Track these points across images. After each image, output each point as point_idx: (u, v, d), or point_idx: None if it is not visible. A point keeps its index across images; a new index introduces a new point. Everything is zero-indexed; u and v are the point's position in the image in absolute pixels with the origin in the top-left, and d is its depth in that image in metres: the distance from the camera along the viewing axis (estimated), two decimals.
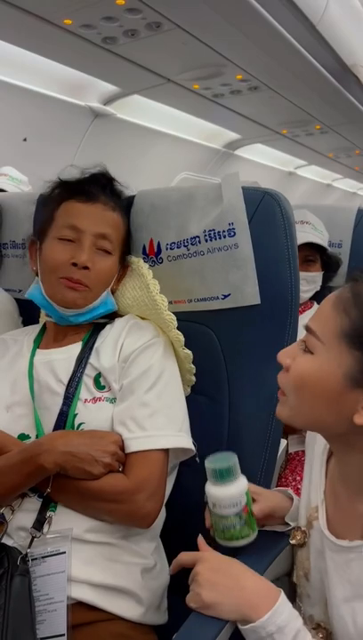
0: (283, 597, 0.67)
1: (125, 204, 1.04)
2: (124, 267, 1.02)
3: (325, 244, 1.60)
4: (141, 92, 2.21)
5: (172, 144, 2.79)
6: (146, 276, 0.99)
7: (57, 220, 0.97)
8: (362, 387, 0.61)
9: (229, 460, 0.77)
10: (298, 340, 0.70)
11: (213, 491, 0.77)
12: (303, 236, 1.53)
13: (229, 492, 0.76)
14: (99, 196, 0.97)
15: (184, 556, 0.75)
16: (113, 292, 1.01)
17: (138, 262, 1.02)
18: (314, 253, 1.59)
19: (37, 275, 0.99)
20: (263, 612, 0.64)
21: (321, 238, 1.59)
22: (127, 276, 1.03)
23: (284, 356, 0.70)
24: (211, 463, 0.77)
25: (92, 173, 1.01)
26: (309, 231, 1.56)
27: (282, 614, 0.65)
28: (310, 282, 1.58)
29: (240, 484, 0.77)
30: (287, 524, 0.85)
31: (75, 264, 0.92)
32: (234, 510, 0.76)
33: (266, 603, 0.66)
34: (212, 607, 0.67)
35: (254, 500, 0.81)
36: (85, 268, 0.92)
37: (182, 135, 2.78)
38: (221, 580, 0.69)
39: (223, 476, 0.76)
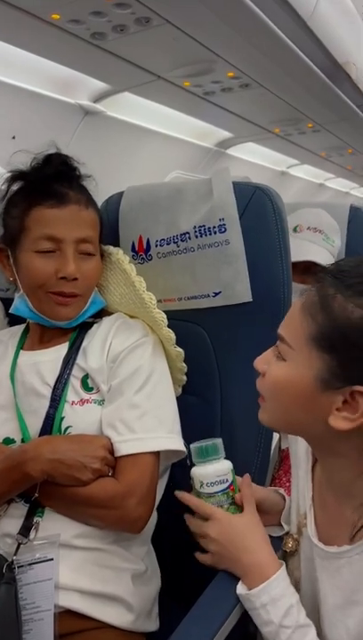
0: (281, 572, 0.70)
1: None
2: (101, 255, 0.98)
3: (334, 256, 1.48)
4: (131, 90, 2.18)
5: (163, 142, 2.77)
6: (129, 273, 0.95)
7: (30, 229, 0.88)
8: (333, 389, 0.61)
9: (214, 440, 0.79)
10: (274, 346, 0.70)
11: (200, 469, 0.78)
12: (310, 249, 1.42)
13: (217, 467, 0.78)
14: (69, 195, 0.89)
15: (199, 504, 0.77)
16: (98, 287, 0.98)
17: (117, 254, 0.98)
18: (317, 267, 1.47)
19: (16, 285, 0.94)
20: (258, 583, 0.68)
21: (331, 251, 1.48)
22: (108, 269, 0.99)
23: (260, 362, 0.70)
24: (195, 443, 0.79)
25: (53, 164, 0.92)
26: (320, 243, 1.46)
27: (277, 587, 0.68)
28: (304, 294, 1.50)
29: (226, 462, 0.80)
30: (282, 527, 0.83)
31: (63, 277, 0.87)
32: (221, 487, 0.77)
33: (263, 575, 0.69)
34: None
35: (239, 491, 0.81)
36: (75, 279, 0.88)
37: (174, 134, 2.76)
38: (226, 552, 0.73)
39: (209, 452, 0.78)
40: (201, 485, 0.77)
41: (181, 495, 0.79)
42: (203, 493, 0.77)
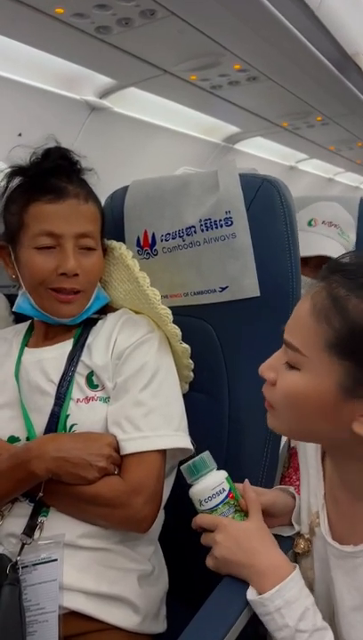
0: (296, 573, 0.67)
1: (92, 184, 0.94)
2: (104, 250, 0.96)
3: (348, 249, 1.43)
4: (137, 85, 2.16)
5: (170, 138, 2.75)
6: (132, 268, 0.93)
7: (28, 225, 0.87)
8: (358, 396, 0.58)
9: (201, 455, 0.77)
10: (281, 349, 0.66)
11: (195, 488, 0.76)
12: (326, 244, 1.37)
13: (209, 481, 0.76)
14: (68, 189, 0.87)
15: (204, 519, 0.75)
16: (101, 283, 0.97)
17: (120, 249, 0.96)
18: (328, 260, 1.45)
19: (18, 282, 0.92)
20: (271, 586, 0.66)
21: (345, 245, 1.44)
22: (112, 265, 0.97)
23: (266, 369, 0.66)
24: (184, 465, 0.77)
25: (52, 158, 0.90)
26: (335, 237, 1.41)
27: (292, 589, 0.66)
28: None
29: (219, 472, 0.77)
30: (292, 527, 0.81)
31: (64, 274, 0.85)
32: (220, 498, 0.75)
33: (275, 578, 0.66)
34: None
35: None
36: (75, 275, 0.86)
37: (181, 129, 2.74)
38: (236, 558, 0.70)
39: (198, 468, 0.76)
40: (200, 503, 0.76)
41: (192, 522, 0.76)
42: (205, 510, 0.76)
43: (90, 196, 0.91)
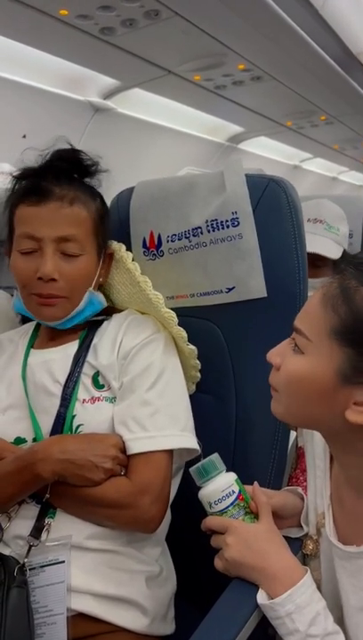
0: (307, 578, 0.67)
1: (96, 186, 0.93)
2: (107, 254, 0.95)
3: (341, 245, 1.43)
4: (141, 85, 2.17)
5: (174, 138, 2.75)
6: (133, 272, 0.92)
7: (15, 229, 0.87)
8: (353, 383, 0.60)
9: (210, 457, 0.77)
10: (288, 338, 0.68)
11: (205, 490, 0.76)
12: (312, 241, 1.33)
13: (219, 483, 0.76)
14: (51, 191, 0.85)
15: (214, 521, 0.75)
16: (104, 287, 0.96)
17: (120, 251, 0.95)
18: (324, 258, 1.42)
19: None
20: (282, 591, 0.65)
21: (336, 240, 1.43)
22: (115, 268, 0.96)
23: (274, 355, 0.68)
24: (193, 467, 0.77)
25: (47, 160, 0.89)
26: (321, 233, 1.41)
27: (303, 594, 0.65)
28: (315, 289, 1.46)
29: (228, 474, 0.77)
30: (301, 528, 0.81)
31: (40, 278, 0.84)
32: (230, 501, 0.75)
33: (287, 582, 0.66)
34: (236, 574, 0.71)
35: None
36: (53, 279, 0.85)
37: (185, 129, 2.74)
38: (247, 560, 0.70)
39: (208, 470, 0.76)
40: (210, 506, 0.75)
41: (202, 525, 0.76)
42: (215, 513, 0.75)
43: (77, 199, 0.87)
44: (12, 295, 1.22)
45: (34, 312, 0.89)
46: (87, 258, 0.89)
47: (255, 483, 0.80)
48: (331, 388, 0.61)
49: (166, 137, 2.71)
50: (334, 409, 0.61)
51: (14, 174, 0.91)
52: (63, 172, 0.89)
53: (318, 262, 1.40)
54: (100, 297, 0.94)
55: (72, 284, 0.87)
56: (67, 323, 0.90)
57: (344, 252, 1.48)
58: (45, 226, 0.84)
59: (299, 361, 0.64)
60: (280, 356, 0.67)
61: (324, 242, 1.41)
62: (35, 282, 0.85)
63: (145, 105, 2.38)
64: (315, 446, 0.80)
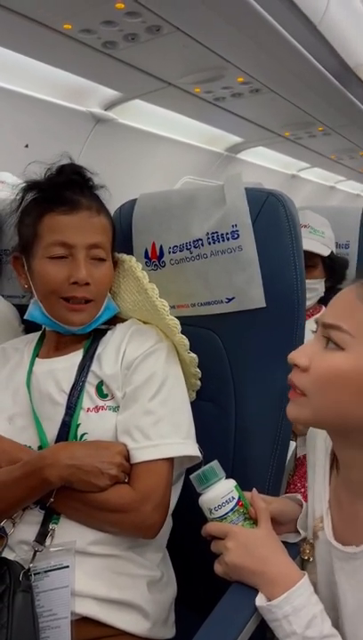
0: (304, 581, 0.68)
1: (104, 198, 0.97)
2: (114, 262, 0.98)
3: (327, 246, 1.51)
4: (142, 97, 2.19)
5: (174, 148, 2.78)
6: (142, 280, 0.95)
7: (42, 236, 0.90)
8: None
9: (210, 464, 0.79)
10: (307, 340, 0.69)
11: (205, 497, 0.77)
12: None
13: (219, 490, 0.77)
14: (80, 201, 0.90)
15: (215, 527, 0.76)
16: (110, 294, 0.99)
17: (130, 261, 0.98)
18: (313, 258, 1.50)
19: (30, 291, 0.95)
20: (279, 593, 0.67)
21: (322, 241, 1.50)
22: (121, 277, 0.99)
23: (298, 356, 0.67)
24: (193, 474, 0.78)
25: (66, 174, 0.93)
26: (306, 235, 1.47)
27: (299, 597, 0.66)
28: (309, 290, 1.51)
29: (228, 481, 0.79)
30: (299, 533, 0.83)
31: (75, 282, 0.88)
32: (230, 507, 0.77)
33: (285, 586, 0.67)
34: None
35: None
36: (86, 284, 0.89)
37: (184, 139, 2.77)
38: (246, 564, 0.71)
39: (208, 477, 0.77)
40: (210, 512, 0.77)
41: (202, 530, 0.78)
42: (215, 518, 0.77)
43: (101, 209, 0.94)
44: (14, 305, 1.25)
45: (60, 318, 0.91)
46: (109, 264, 0.94)
47: (254, 489, 0.82)
48: None
49: (166, 147, 2.74)
50: None
51: (28, 185, 0.94)
52: (85, 185, 0.94)
53: (308, 263, 1.42)
54: (113, 303, 0.98)
55: (100, 288, 0.91)
56: (86, 328, 0.93)
57: (335, 255, 1.54)
58: (77, 233, 0.89)
59: (339, 357, 0.64)
60: (307, 356, 0.66)
61: (310, 242, 1.48)
62: (67, 286, 0.88)
63: (145, 115, 2.41)
64: (317, 450, 0.81)
